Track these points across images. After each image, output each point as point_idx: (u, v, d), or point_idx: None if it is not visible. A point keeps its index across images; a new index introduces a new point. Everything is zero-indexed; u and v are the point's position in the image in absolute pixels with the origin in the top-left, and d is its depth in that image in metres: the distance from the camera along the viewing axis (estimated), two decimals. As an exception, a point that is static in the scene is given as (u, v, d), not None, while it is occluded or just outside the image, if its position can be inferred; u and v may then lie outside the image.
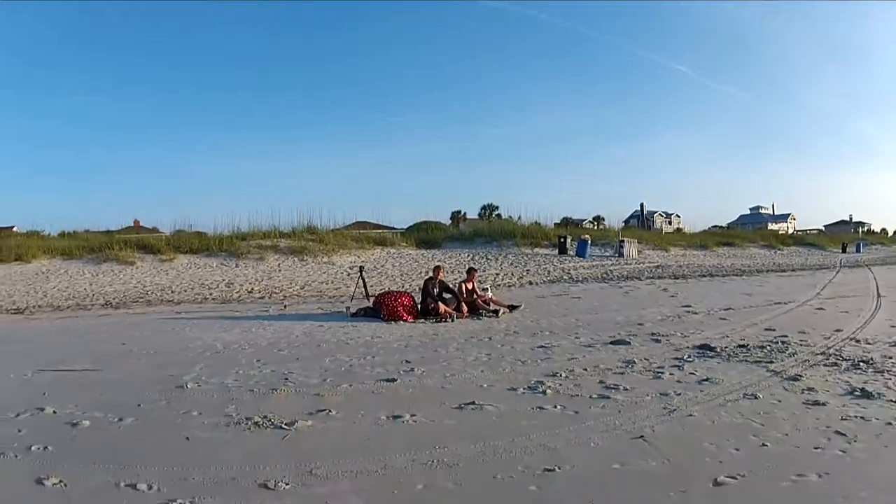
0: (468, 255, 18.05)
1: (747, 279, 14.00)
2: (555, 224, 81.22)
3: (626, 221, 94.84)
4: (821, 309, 8.14)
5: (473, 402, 3.44)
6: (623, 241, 20.53)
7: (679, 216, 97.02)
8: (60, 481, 2.39)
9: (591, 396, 3.58)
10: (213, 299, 10.41)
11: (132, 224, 70.47)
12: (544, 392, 3.68)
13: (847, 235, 54.02)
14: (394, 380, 4.06)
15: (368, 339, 5.82)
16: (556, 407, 3.36)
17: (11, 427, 3.11)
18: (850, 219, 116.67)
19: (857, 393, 3.64)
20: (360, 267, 10.08)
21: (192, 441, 2.88)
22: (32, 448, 2.77)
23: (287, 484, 2.34)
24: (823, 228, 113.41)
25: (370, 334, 6.08)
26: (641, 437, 2.86)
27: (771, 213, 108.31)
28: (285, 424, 3.09)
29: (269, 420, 3.16)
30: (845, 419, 3.11)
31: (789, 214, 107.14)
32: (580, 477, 2.40)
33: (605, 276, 13.48)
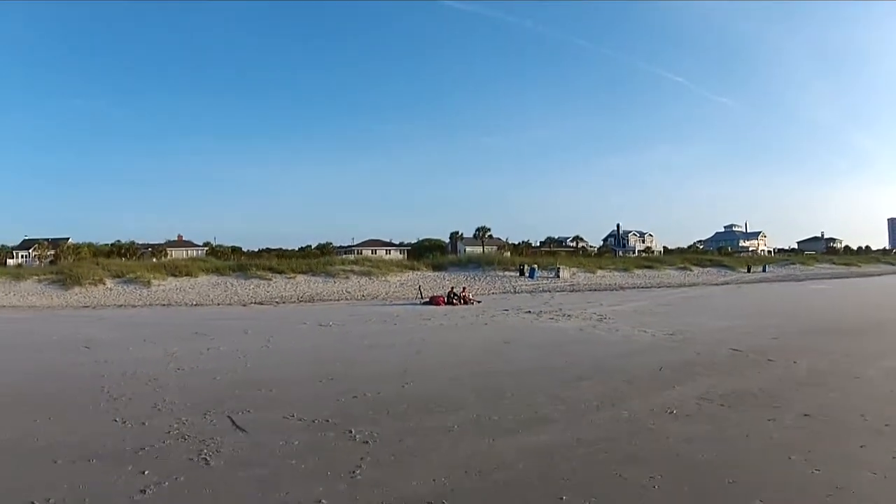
0: (464, 277, 30.71)
1: (614, 292, 26.58)
2: (540, 242, 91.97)
3: (605, 240, 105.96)
4: (600, 305, 20.65)
5: (464, 317, 16.05)
6: (559, 267, 33.30)
7: (652, 235, 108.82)
8: (396, 318, 14.98)
9: (489, 316, 16.18)
10: (351, 299, 22.96)
11: (176, 238, 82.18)
12: (478, 317, 16.32)
13: (759, 258, 66.29)
14: (446, 315, 16.68)
15: (432, 309, 18.38)
16: (480, 319, 15.94)
17: (383, 318, 15.67)
18: (822, 235, 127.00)
19: (551, 318, 16.17)
20: (419, 284, 22.72)
21: (429, 327, 15.42)
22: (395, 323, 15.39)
23: (439, 324, 14.96)
24: (797, 245, 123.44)
25: (432, 309, 18.63)
26: (493, 318, 15.46)
27: (744, 230, 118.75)
28: (428, 320, 15.68)
29: (427, 320, 15.75)
30: (540, 323, 15.70)
31: (760, 232, 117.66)
32: (461, 326, 15.00)
33: (533, 290, 26.19)
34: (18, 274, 32.05)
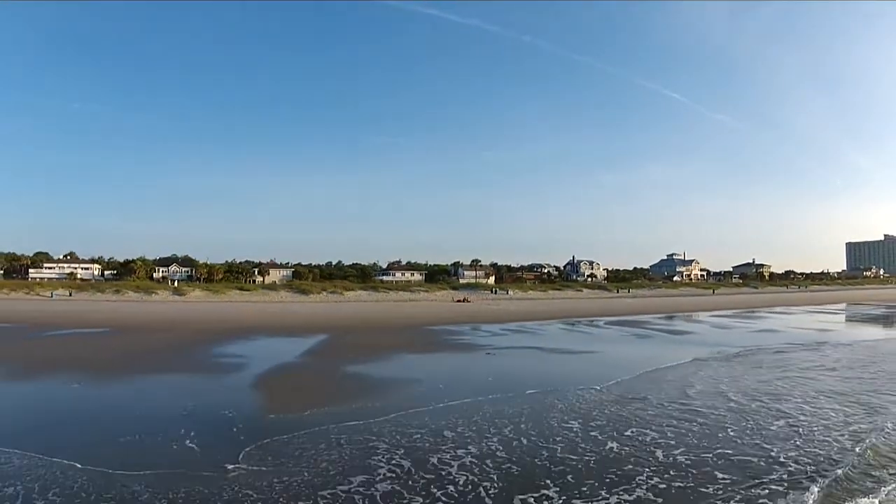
0: (467, 293, 73.84)
1: (524, 300, 69.25)
2: (519, 266, 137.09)
3: (565, 266, 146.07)
4: (512, 303, 63.56)
5: (467, 305, 58.99)
6: (508, 289, 76.09)
7: (598, 263, 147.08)
8: (449, 305, 58.05)
9: (475, 305, 59.11)
10: (424, 301, 65.60)
11: (268, 261, 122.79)
12: (471, 305, 59.35)
13: (626, 283, 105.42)
14: (465, 305, 59.62)
15: (460, 304, 61.07)
16: (472, 305, 58.88)
17: (447, 305, 58.66)
18: (753, 261, 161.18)
19: (489, 305, 59.01)
20: (453, 296, 65.53)
21: (460, 307, 58.38)
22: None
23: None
24: (732, 269, 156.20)
25: (460, 304, 61.33)
26: (476, 306, 58.56)
27: (682, 258, 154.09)
28: (459, 307, 58.72)
29: (460, 306, 58.80)
30: (486, 307, 58.73)
31: (693, 260, 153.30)
32: (466, 307, 58.07)
33: (493, 299, 69.08)
34: (271, 286, 74.87)
